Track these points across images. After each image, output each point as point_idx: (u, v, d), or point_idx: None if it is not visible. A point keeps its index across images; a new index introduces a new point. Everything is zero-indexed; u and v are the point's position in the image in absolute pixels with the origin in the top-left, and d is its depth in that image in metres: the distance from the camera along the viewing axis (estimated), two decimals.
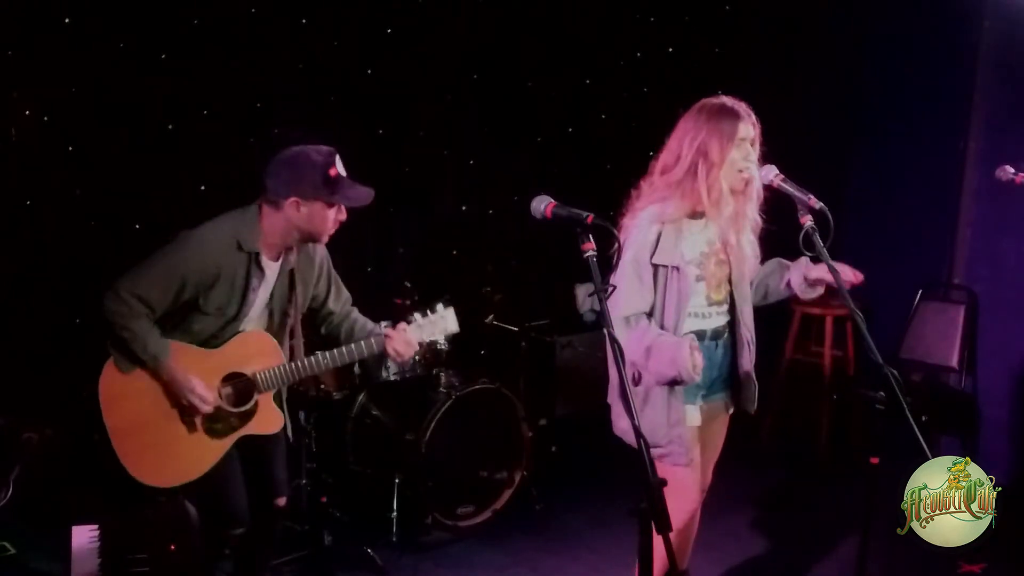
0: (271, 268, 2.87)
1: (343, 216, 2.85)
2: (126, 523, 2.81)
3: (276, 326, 2.96)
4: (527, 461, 4.25)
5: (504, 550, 4.01)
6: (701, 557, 3.31)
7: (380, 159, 4.43)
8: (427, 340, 3.06)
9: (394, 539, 3.96)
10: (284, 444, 3.12)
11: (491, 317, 4.58)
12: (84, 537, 2.77)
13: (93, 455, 3.64)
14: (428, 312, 3.07)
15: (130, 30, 3.85)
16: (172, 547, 2.72)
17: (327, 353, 2.94)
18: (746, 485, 4.61)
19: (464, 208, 5.01)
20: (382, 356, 3.04)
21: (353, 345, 2.97)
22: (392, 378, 4.05)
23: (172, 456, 2.83)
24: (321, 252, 3.05)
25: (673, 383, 2.77)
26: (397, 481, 3.98)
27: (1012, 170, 3.32)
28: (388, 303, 4.13)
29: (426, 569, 3.83)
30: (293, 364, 2.91)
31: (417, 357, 4.09)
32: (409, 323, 3.02)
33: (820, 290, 2.97)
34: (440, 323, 3.07)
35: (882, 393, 2.51)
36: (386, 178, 4.56)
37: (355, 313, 3.16)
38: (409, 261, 4.80)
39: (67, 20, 3.72)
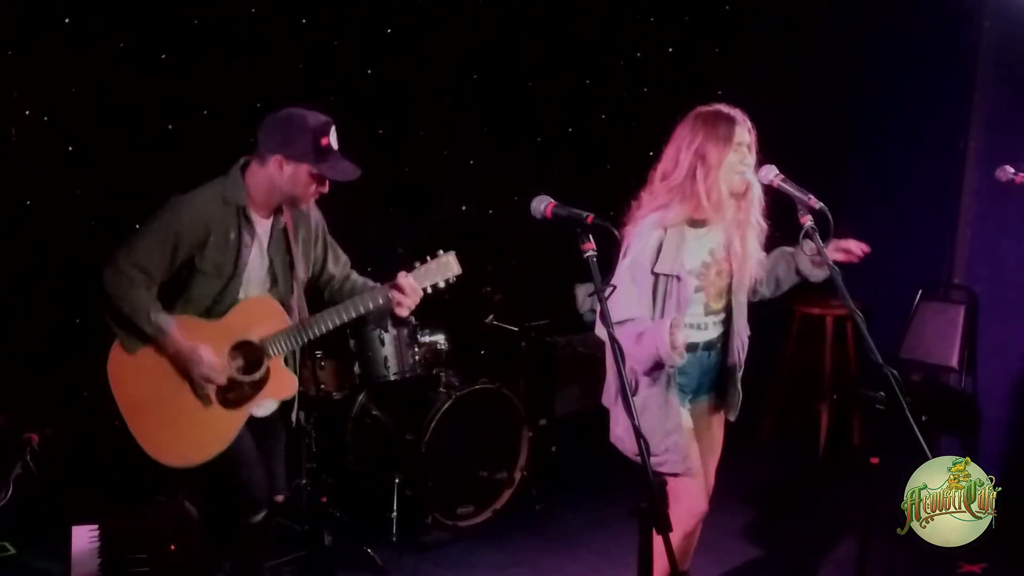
0: (262, 225, 2.84)
1: (324, 188, 2.82)
2: (126, 523, 2.81)
3: (281, 292, 2.92)
4: (527, 461, 4.25)
5: (504, 550, 4.01)
6: (701, 557, 3.30)
7: (380, 159, 4.43)
8: (430, 285, 2.99)
9: (394, 539, 3.95)
10: (283, 440, 3.11)
11: (491, 317, 4.58)
12: (84, 537, 2.76)
13: (93, 455, 3.66)
14: (428, 258, 3.00)
15: (130, 30, 3.85)
16: (172, 547, 2.72)
17: (332, 311, 2.90)
18: (746, 486, 4.60)
19: (464, 208, 5.01)
20: (387, 308, 2.96)
21: (357, 298, 2.92)
22: (392, 378, 4.04)
23: (190, 433, 2.78)
24: (315, 215, 3.01)
25: (658, 366, 2.75)
26: (397, 481, 3.98)
27: (1012, 170, 3.32)
28: None
29: (426, 569, 3.83)
30: (300, 325, 2.88)
31: (417, 357, 4.09)
32: (410, 271, 2.97)
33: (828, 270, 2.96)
34: (442, 268, 3.00)
35: (882, 393, 2.51)
36: (386, 178, 4.60)
37: (354, 275, 3.13)
38: (409, 261, 4.79)
39: (67, 20, 3.73)
